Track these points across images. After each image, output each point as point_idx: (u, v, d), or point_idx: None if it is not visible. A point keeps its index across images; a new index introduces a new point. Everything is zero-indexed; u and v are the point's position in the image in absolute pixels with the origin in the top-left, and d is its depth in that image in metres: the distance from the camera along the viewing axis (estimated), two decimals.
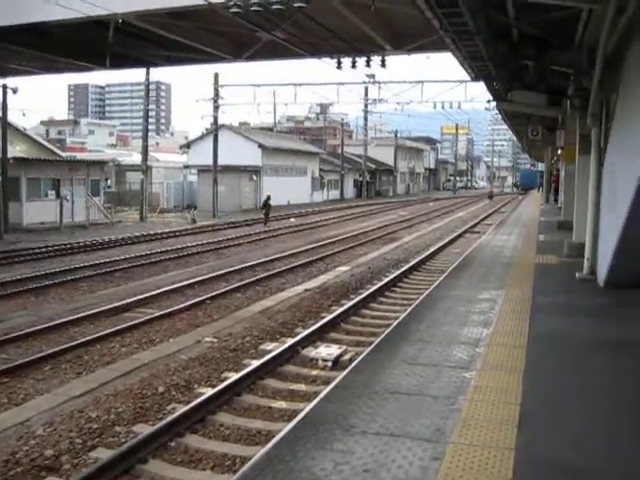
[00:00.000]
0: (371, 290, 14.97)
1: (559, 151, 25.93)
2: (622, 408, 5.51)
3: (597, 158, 12.01)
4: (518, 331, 8.03)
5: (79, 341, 11.10)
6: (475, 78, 18.09)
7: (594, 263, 11.98)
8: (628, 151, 8.98)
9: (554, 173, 41.92)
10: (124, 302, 14.06)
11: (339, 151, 68.75)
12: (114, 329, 11.86)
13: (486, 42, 11.89)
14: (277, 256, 21.98)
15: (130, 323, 12.32)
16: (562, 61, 12.90)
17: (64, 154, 46.00)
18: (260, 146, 52.01)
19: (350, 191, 71.63)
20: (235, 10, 13.89)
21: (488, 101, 35.36)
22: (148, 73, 39.11)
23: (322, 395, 5.85)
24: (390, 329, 8.77)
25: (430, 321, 8.69)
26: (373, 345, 7.83)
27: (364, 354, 7.45)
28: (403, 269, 18.06)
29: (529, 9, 10.53)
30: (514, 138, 65.25)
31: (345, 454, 4.33)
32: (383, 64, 19.92)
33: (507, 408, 5.25)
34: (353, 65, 19.77)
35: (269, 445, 4.68)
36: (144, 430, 7.22)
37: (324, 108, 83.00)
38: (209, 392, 8.33)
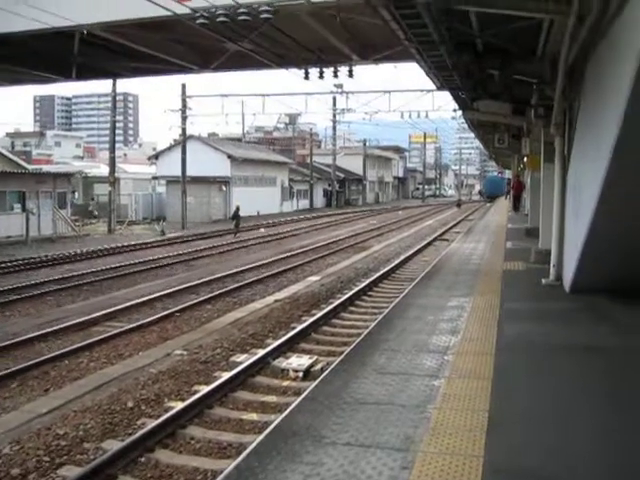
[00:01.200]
0: (341, 299, 15.02)
1: (525, 159, 26.26)
2: (590, 413, 5.56)
3: (561, 166, 12.20)
4: (486, 338, 8.09)
5: (46, 357, 10.95)
6: (440, 87, 18.26)
7: (560, 269, 12.14)
8: (590, 159, 9.13)
9: (514, 180, 41.28)
10: (92, 316, 13.92)
11: (308, 161, 68.85)
12: (82, 344, 11.74)
13: (450, 52, 12.04)
14: (247, 267, 21.92)
15: (98, 337, 12.20)
16: (526, 71, 13.10)
17: (30, 167, 45.46)
18: (229, 157, 51.88)
19: (320, 200, 71.74)
20: (201, 21, 13.85)
21: (454, 110, 35.74)
22: (115, 84, 38.91)
23: (292, 406, 5.84)
24: (360, 338, 8.79)
25: (399, 330, 8.72)
26: (343, 355, 7.84)
27: (334, 364, 7.46)
28: (373, 278, 18.14)
29: (492, 20, 10.69)
30: (481, 146, 65.88)
31: (315, 466, 4.32)
32: (350, 74, 19.98)
33: (475, 415, 5.28)
34: (320, 76, 19.78)
35: (239, 459, 4.65)
36: (113, 446, 7.15)
37: (293, 118, 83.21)
38: (179, 406, 8.28)
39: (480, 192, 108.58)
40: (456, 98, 20.29)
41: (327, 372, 7.06)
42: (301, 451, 4.57)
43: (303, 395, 6.22)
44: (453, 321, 9.16)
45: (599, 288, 10.38)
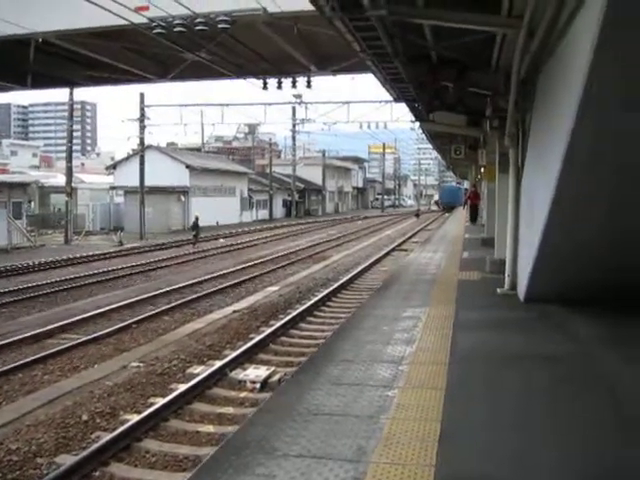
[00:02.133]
0: (300, 310, 15.03)
1: (482, 169, 26.64)
2: (541, 421, 5.64)
3: (515, 176, 12.40)
4: (440, 348, 8.16)
5: None
6: (397, 99, 18.48)
7: (514, 278, 12.30)
8: (542, 169, 9.33)
9: (471, 190, 40.64)
10: (47, 328, 13.68)
11: (268, 171, 68.82)
12: (36, 357, 11.52)
13: (405, 64, 12.19)
14: (206, 277, 21.81)
15: (53, 350, 11.99)
16: (480, 83, 13.32)
17: None
18: (188, 167, 51.59)
19: (279, 211, 71.74)
20: (159, 31, 13.85)
21: (412, 121, 36.08)
22: (72, 93, 38.51)
23: (246, 419, 5.84)
24: (315, 350, 8.82)
25: (355, 340, 8.75)
26: (298, 366, 7.86)
27: (289, 376, 7.48)
28: (331, 288, 18.18)
29: (446, 33, 10.87)
30: (440, 157, 66.57)
31: (267, 478, 4.31)
32: (309, 85, 20.13)
33: (428, 425, 5.32)
34: (279, 86, 19.87)
35: (190, 474, 4.64)
36: (67, 461, 7.05)
37: (252, 128, 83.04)
38: (135, 418, 8.20)
39: (437, 202, 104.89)
40: (412, 109, 20.54)
41: (282, 384, 7.07)
42: (253, 463, 4.56)
43: (257, 407, 6.22)
44: (408, 331, 9.21)
45: (553, 297, 10.55)
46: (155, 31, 13.83)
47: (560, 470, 4.60)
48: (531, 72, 10.16)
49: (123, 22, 13.88)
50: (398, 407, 5.80)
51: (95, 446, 7.31)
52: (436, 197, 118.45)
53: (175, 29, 13.70)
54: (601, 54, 5.87)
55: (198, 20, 13.55)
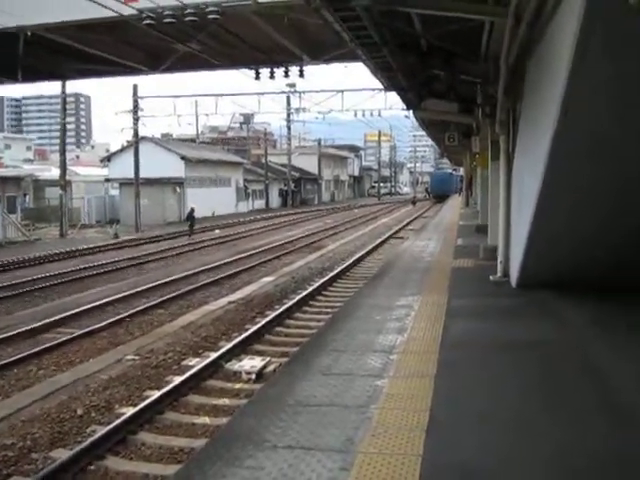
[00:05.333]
0: (295, 300, 15.08)
1: (476, 156, 26.63)
2: (530, 409, 5.67)
3: (506, 163, 12.41)
4: (432, 336, 8.18)
5: None
6: (388, 88, 18.44)
7: (507, 265, 12.32)
8: (532, 156, 9.34)
9: (467, 177, 41.77)
10: (42, 323, 13.70)
11: (263, 161, 68.69)
12: (31, 351, 11.54)
13: (394, 53, 12.17)
14: (201, 269, 21.82)
15: (48, 344, 12.02)
16: (470, 71, 13.32)
17: None
18: (183, 158, 51.41)
19: (275, 200, 71.65)
20: (148, 22, 13.79)
21: (403, 109, 35.99)
22: (64, 86, 38.31)
23: (237, 411, 5.87)
24: (307, 340, 8.85)
25: (347, 330, 8.77)
26: (289, 357, 7.89)
27: (280, 367, 7.51)
28: (327, 277, 18.23)
29: (434, 21, 10.85)
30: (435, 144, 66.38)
31: (255, 470, 4.34)
32: (301, 74, 20.03)
33: (417, 415, 5.34)
34: (271, 76, 19.79)
35: (180, 466, 4.68)
36: (62, 455, 7.08)
37: (247, 118, 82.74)
38: (130, 412, 8.24)
39: (426, 190, 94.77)
40: (403, 98, 20.48)
41: (273, 375, 7.09)
42: (242, 455, 4.59)
43: (248, 399, 6.25)
44: (400, 320, 9.22)
45: (545, 283, 10.58)
46: (144, 22, 13.77)
47: (548, 458, 4.61)
48: (520, 59, 10.15)
49: (112, 14, 13.83)
50: (387, 397, 5.82)
51: (90, 440, 7.35)
52: None
53: (165, 20, 13.64)
54: (587, 39, 5.88)
55: (188, 11, 13.48)
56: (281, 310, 13.98)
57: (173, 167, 49.76)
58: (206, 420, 8.32)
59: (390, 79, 16.21)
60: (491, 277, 12.65)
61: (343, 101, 49.95)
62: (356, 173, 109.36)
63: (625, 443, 4.85)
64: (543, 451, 4.70)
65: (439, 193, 75.12)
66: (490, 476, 4.33)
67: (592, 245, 9.38)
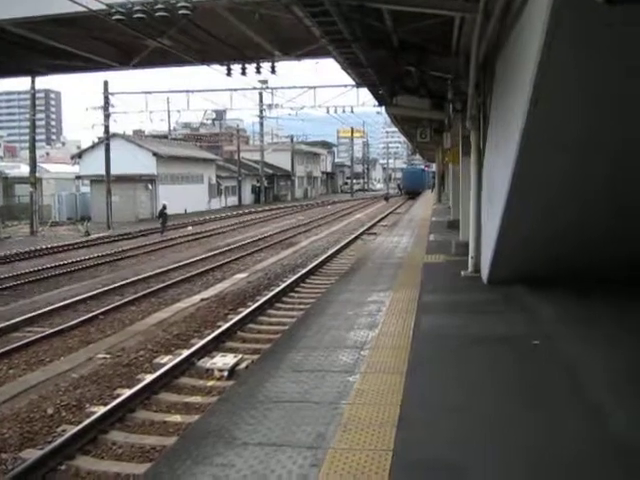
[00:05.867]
0: (268, 296, 15.06)
1: (448, 152, 26.79)
2: (501, 403, 5.71)
3: (477, 159, 12.50)
4: (403, 332, 8.21)
5: None
6: (359, 84, 18.47)
7: (478, 260, 12.42)
8: (502, 151, 9.40)
9: (439, 173, 42.19)
10: (12, 322, 13.51)
11: (236, 157, 68.45)
12: (1, 351, 11.38)
13: (364, 49, 12.20)
14: (173, 266, 21.70)
15: (18, 343, 11.86)
16: (441, 66, 13.38)
17: None
18: (154, 154, 51.05)
19: (248, 197, 71.42)
20: (118, 17, 13.66)
21: (375, 105, 36.09)
22: (33, 82, 37.75)
23: (207, 408, 5.85)
24: (278, 336, 8.84)
25: (318, 326, 8.77)
26: (260, 354, 7.88)
27: (251, 363, 7.49)
28: (300, 274, 18.23)
29: (405, 17, 10.89)
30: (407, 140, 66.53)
31: (225, 467, 4.33)
32: (273, 70, 20.00)
33: (387, 410, 5.36)
34: (243, 72, 19.73)
35: (150, 465, 4.66)
36: (32, 455, 7.01)
37: (219, 114, 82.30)
38: (101, 410, 8.18)
39: (398, 186, 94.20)
40: (375, 94, 20.53)
41: (244, 372, 7.07)
42: (212, 453, 4.57)
43: (218, 396, 6.23)
44: (372, 316, 9.24)
45: (516, 278, 10.67)
46: (114, 17, 13.63)
47: (519, 453, 4.65)
48: (490, 55, 10.24)
49: (81, 9, 13.67)
50: (358, 392, 5.83)
51: (60, 440, 7.28)
52: None
53: (135, 15, 13.52)
54: (554, 36, 5.94)
55: (158, 6, 13.39)
56: (254, 307, 13.96)
57: (145, 164, 49.40)
58: (178, 418, 8.28)
59: (361, 75, 16.25)
60: (462, 272, 12.73)
61: (315, 97, 50.11)
62: (329, 169, 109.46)
63: (592, 435, 4.92)
64: (515, 446, 4.73)
65: (411, 189, 74.60)
66: (460, 471, 4.35)
67: (562, 240, 9.48)
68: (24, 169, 49.76)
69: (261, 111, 62.90)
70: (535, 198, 8.91)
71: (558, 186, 8.52)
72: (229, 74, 19.75)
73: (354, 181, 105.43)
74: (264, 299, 14.76)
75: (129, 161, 47.03)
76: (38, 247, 28.83)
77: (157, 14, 13.55)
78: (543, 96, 6.76)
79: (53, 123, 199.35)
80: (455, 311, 9.62)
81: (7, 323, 13.43)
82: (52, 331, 12.79)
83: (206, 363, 10.29)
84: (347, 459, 4.45)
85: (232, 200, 66.25)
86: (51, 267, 22.50)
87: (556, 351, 7.22)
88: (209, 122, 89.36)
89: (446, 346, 7.64)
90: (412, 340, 7.73)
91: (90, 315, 14.13)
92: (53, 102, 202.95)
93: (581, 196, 8.71)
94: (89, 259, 24.73)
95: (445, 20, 10.83)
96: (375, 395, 5.74)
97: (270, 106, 51.91)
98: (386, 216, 43.78)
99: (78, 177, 52.57)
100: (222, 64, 19.63)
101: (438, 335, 8.17)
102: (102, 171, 42.21)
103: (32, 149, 39.21)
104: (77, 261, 24.13)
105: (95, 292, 16.90)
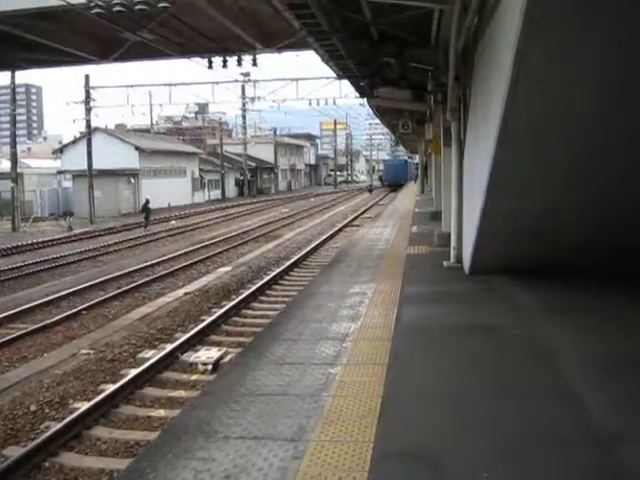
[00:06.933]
0: (252, 290, 15.08)
1: (430, 143, 26.84)
2: (484, 394, 5.73)
3: (458, 150, 12.52)
4: (385, 323, 8.22)
5: None
6: (340, 76, 18.46)
7: (460, 251, 12.45)
8: (482, 141, 9.44)
9: (422, 164, 42.34)
10: None
11: (219, 150, 68.25)
12: None
13: (344, 41, 12.21)
14: (157, 260, 21.65)
15: (1, 340, 11.81)
16: (421, 58, 13.41)
17: None
18: (137, 148, 50.81)
19: (232, 190, 71.25)
20: (97, 11, 13.58)
21: (356, 97, 36.11)
22: (13, 76, 37.42)
23: (188, 403, 5.87)
24: (260, 329, 8.85)
25: (300, 319, 8.77)
26: (242, 348, 7.89)
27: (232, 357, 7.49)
28: (284, 267, 18.27)
29: (384, 9, 10.90)
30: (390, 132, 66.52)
31: (206, 461, 4.34)
32: (254, 63, 19.98)
33: (369, 401, 5.38)
34: (224, 65, 19.67)
35: (131, 460, 4.67)
36: (15, 453, 7.00)
37: (202, 107, 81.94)
38: (84, 406, 8.17)
39: (380, 178, 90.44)
40: (356, 86, 20.53)
41: (225, 366, 7.07)
42: (193, 447, 4.59)
43: (199, 391, 6.24)
44: (354, 308, 9.25)
45: (497, 269, 10.71)
46: (93, 11, 13.55)
47: (501, 446, 4.65)
48: (469, 47, 10.28)
49: (61, 3, 13.57)
50: (340, 384, 5.85)
51: (44, 436, 7.28)
52: None
53: (114, 9, 13.45)
54: (529, 28, 5.98)
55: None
56: (238, 300, 13.97)
57: (127, 158, 49.18)
58: (162, 413, 8.30)
59: (342, 67, 16.26)
60: (445, 263, 12.77)
61: (298, 90, 49.89)
62: (312, 162, 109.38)
63: (571, 420, 4.98)
64: (497, 439, 4.74)
65: (393, 182, 72.59)
66: (441, 463, 4.35)
67: (543, 230, 9.55)
68: (5, 164, 49.34)
69: (244, 104, 62.69)
70: (514, 188, 8.95)
71: (537, 176, 8.57)
72: (210, 67, 19.70)
73: (338, 173, 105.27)
74: (248, 292, 14.78)
75: (111, 155, 46.79)
76: (20, 243, 28.61)
77: (137, 7, 13.48)
78: (521, 84, 6.78)
79: (34, 118, 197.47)
80: (437, 302, 9.63)
81: None
82: (35, 327, 12.73)
83: (190, 357, 10.30)
84: (328, 451, 4.47)
85: (216, 193, 66.08)
86: (33, 263, 22.36)
87: (536, 340, 7.28)
88: (192, 115, 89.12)
89: (428, 337, 7.67)
90: (394, 331, 7.75)
91: (73, 311, 14.08)
92: (34, 97, 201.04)
93: (560, 183, 8.76)
94: (72, 254, 24.60)
95: (424, 12, 10.85)
96: (357, 387, 5.76)
97: (253, 99, 51.86)
98: (369, 208, 43.85)
99: (60, 172, 52.31)
100: (203, 57, 19.57)
101: (420, 326, 8.19)
102: (84, 166, 41.94)
103: (13, 144, 38.98)
104: (60, 257, 23.99)
105: (78, 287, 16.82)
